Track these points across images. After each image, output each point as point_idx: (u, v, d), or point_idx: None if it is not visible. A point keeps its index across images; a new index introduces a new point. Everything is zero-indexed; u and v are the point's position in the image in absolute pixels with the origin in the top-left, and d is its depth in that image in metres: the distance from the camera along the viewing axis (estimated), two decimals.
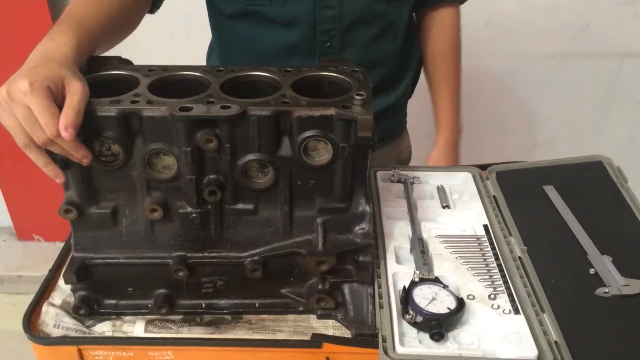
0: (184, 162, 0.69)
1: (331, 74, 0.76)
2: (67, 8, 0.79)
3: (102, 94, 0.69)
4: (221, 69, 0.76)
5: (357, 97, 0.68)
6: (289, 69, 0.76)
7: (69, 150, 0.65)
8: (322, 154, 0.71)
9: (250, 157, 0.70)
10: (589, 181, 0.93)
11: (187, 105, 0.67)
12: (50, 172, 0.68)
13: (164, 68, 0.76)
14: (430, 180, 0.97)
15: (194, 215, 0.73)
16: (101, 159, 0.70)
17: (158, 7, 0.96)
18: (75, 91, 0.65)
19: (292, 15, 0.95)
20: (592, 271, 0.76)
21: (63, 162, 0.69)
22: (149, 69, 0.75)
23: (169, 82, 0.74)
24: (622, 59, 1.84)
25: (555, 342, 0.67)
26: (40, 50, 0.69)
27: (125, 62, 0.79)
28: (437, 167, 0.98)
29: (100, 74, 0.74)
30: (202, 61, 1.17)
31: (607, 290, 0.73)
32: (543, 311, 0.71)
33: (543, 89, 1.88)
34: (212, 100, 0.68)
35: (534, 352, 0.65)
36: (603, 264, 0.77)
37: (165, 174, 0.71)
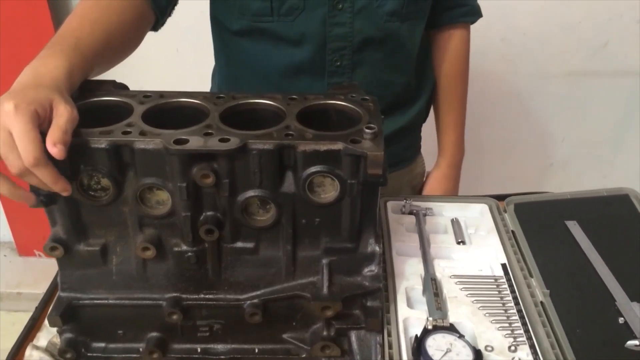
0: (178, 198, 0.64)
1: (340, 102, 0.70)
2: (61, 27, 0.74)
3: (94, 122, 0.64)
4: (222, 95, 0.71)
5: (367, 130, 0.63)
6: (294, 96, 0.71)
7: (47, 181, 0.59)
8: (329, 191, 0.65)
9: (250, 193, 0.65)
10: (615, 216, 0.87)
11: (183, 137, 0.62)
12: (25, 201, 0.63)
13: (161, 94, 0.71)
14: (444, 212, 0.91)
15: (189, 254, 0.67)
16: (90, 193, 0.64)
17: (162, 25, 0.91)
18: (62, 114, 0.60)
19: (301, 33, 0.90)
20: (621, 320, 0.70)
21: (48, 196, 0.63)
22: (145, 95, 0.70)
23: (165, 109, 0.69)
24: None
25: None
26: (30, 73, 0.65)
27: (120, 87, 0.74)
28: (451, 198, 0.92)
29: (91, 100, 0.69)
30: (208, 76, 1.13)
31: (638, 343, 0.67)
32: None
33: (560, 108, 1.82)
34: (210, 131, 0.63)
35: None
36: (633, 313, 0.70)
37: (159, 210, 0.65)
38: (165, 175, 0.63)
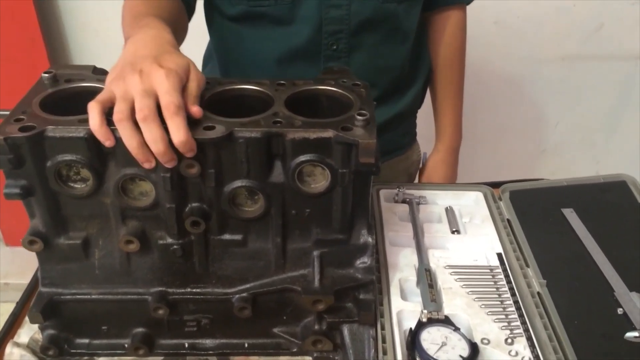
0: (162, 189, 0.61)
1: (330, 88, 0.68)
2: (129, 11, 0.75)
3: (72, 109, 0.61)
4: (207, 81, 0.67)
5: (359, 117, 0.60)
6: (282, 82, 0.68)
7: (182, 134, 0.56)
8: (319, 180, 0.62)
9: (237, 183, 0.62)
10: (612, 204, 0.85)
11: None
12: (142, 154, 0.57)
13: None
14: (438, 200, 0.89)
15: (175, 247, 0.65)
16: (69, 184, 0.61)
17: (192, 16, 0.92)
18: (197, 78, 0.61)
19: (298, 16, 0.88)
20: (620, 311, 0.68)
21: (25, 189, 0.60)
22: None
23: None
24: (637, 62, 1.75)
25: None
26: (152, 40, 0.64)
27: (100, 73, 0.70)
28: (445, 186, 0.90)
29: (70, 86, 0.66)
30: (199, 64, 1.09)
31: (637, 334, 0.65)
32: (567, 359, 0.63)
33: (553, 93, 1.80)
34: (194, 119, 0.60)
35: None
36: (632, 303, 0.69)
37: (142, 201, 0.63)
38: None
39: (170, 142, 0.56)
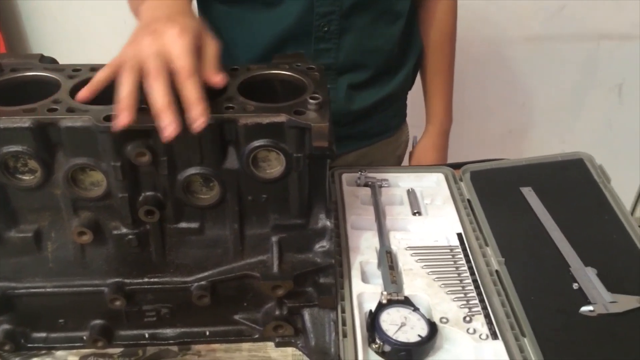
0: (114, 179, 0.60)
1: (284, 72, 0.67)
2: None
3: (18, 99, 0.59)
4: None
5: (312, 100, 0.59)
6: (236, 67, 0.67)
7: (194, 96, 0.54)
8: (274, 166, 0.62)
9: (191, 170, 0.61)
10: (570, 182, 0.87)
11: (114, 113, 0.57)
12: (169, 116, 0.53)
13: (92, 67, 0.66)
14: (400, 183, 0.89)
15: (130, 237, 0.64)
16: (16, 175, 0.60)
17: None
18: (212, 44, 0.59)
19: None
20: (575, 286, 0.70)
21: None
22: (74, 69, 0.66)
23: None
24: (599, 41, 1.77)
25: None
26: (165, 5, 0.62)
27: (48, 61, 0.68)
28: (407, 168, 0.90)
29: (15, 75, 0.64)
30: None
31: (592, 308, 0.67)
32: (523, 335, 0.64)
33: (518, 73, 1.81)
34: (144, 106, 0.59)
35: None
36: (587, 278, 0.70)
37: (94, 191, 0.61)
38: (98, 154, 0.59)
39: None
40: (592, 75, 1.85)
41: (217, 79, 0.56)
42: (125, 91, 0.54)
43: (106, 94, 0.60)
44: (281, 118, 0.58)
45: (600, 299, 0.67)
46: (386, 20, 0.94)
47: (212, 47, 0.59)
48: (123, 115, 0.54)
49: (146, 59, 0.54)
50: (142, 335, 0.69)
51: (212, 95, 0.62)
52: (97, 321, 0.67)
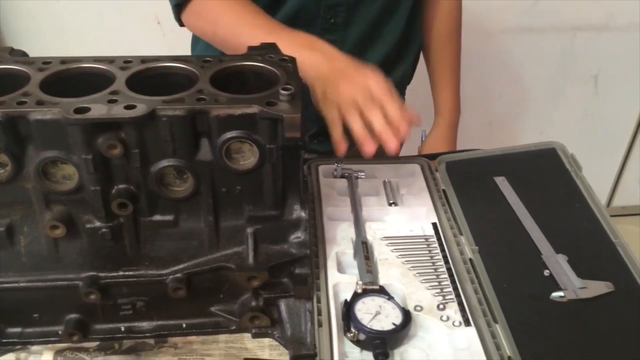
0: (85, 172, 0.59)
1: (256, 63, 0.67)
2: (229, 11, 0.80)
3: None
4: (130, 60, 0.66)
5: (284, 91, 0.60)
6: (208, 58, 0.67)
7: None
8: (248, 157, 0.62)
9: (164, 163, 0.61)
10: (542, 171, 0.88)
11: (84, 105, 0.57)
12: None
13: (62, 60, 0.65)
14: (377, 174, 0.90)
15: (103, 230, 0.63)
16: None
17: None
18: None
19: None
20: (546, 273, 0.71)
21: None
22: (44, 62, 0.65)
23: (67, 76, 0.64)
24: (574, 33, 1.80)
25: (509, 357, 0.62)
26: (339, 55, 0.77)
27: (18, 54, 0.68)
28: (384, 159, 0.91)
29: None
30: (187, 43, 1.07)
31: (562, 294, 0.68)
32: (496, 321, 0.65)
33: (496, 65, 1.83)
34: (114, 98, 0.59)
35: None
36: (558, 265, 0.71)
37: (66, 185, 0.61)
38: (69, 147, 0.58)
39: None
40: (569, 66, 1.87)
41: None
42: (357, 126, 0.71)
43: (75, 86, 0.60)
44: (253, 109, 0.59)
45: (571, 285, 0.69)
46: (390, 12, 0.95)
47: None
48: (367, 145, 0.70)
49: (358, 97, 0.72)
50: (117, 328, 0.68)
51: (183, 87, 0.62)
52: (72, 315, 0.67)
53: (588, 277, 0.70)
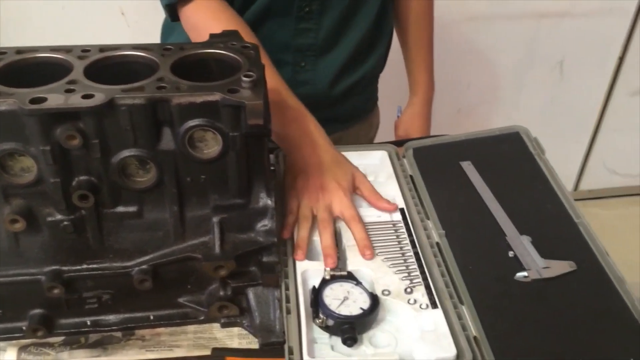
0: (44, 164, 0.58)
1: (218, 51, 0.66)
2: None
3: None
4: (88, 49, 0.64)
5: (246, 78, 0.59)
6: (169, 46, 0.66)
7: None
8: (211, 146, 0.61)
9: (125, 153, 0.60)
10: (507, 154, 0.89)
11: (41, 95, 0.56)
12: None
13: (18, 50, 0.64)
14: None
15: (65, 223, 0.62)
16: None
17: None
18: (365, 181, 0.81)
19: None
20: (511, 254, 0.72)
21: None
22: (0, 52, 0.63)
23: (23, 67, 0.62)
24: (539, 20, 1.82)
25: (475, 337, 0.63)
26: (323, 140, 0.80)
27: None
28: (351, 147, 0.91)
29: None
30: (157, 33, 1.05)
31: (526, 274, 0.69)
32: (462, 303, 0.66)
33: (463, 53, 1.85)
34: (72, 88, 0.57)
35: (452, 351, 0.61)
36: (522, 246, 0.73)
37: (24, 177, 0.60)
38: (26, 139, 0.57)
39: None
40: (534, 53, 1.90)
41: (385, 204, 0.78)
42: (302, 234, 0.73)
43: (31, 77, 0.59)
44: (215, 97, 0.58)
45: (534, 265, 0.70)
46: (364, 1, 0.95)
47: (367, 184, 0.80)
48: (299, 253, 0.71)
49: (318, 211, 0.75)
50: (83, 322, 0.67)
51: (144, 77, 0.61)
52: (36, 310, 0.66)
53: (551, 257, 0.71)
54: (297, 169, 0.79)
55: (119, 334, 0.68)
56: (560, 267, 0.70)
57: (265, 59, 0.72)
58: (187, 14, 0.84)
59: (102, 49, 0.65)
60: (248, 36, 0.79)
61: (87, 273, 0.64)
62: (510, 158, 0.88)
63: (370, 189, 0.80)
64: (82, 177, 0.61)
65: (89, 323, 0.68)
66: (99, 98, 0.56)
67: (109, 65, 0.63)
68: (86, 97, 0.56)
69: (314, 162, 0.78)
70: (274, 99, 0.74)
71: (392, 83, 1.20)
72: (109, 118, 0.57)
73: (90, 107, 0.55)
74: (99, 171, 0.60)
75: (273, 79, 0.79)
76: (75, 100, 0.55)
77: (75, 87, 0.58)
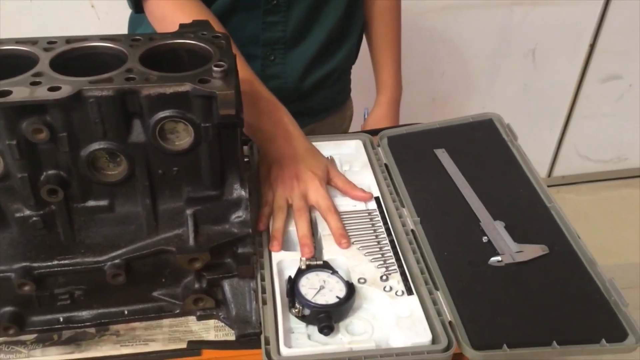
0: (11, 158, 0.57)
1: (188, 41, 0.65)
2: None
3: None
4: (54, 40, 0.63)
5: (216, 68, 0.58)
6: (138, 37, 0.65)
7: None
8: (183, 137, 0.61)
9: (95, 146, 0.59)
10: (480, 141, 0.90)
11: (5, 89, 0.54)
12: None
13: None
14: (320, 151, 0.89)
15: (34, 219, 0.61)
16: None
17: None
18: (338, 174, 0.82)
19: None
20: (485, 239, 0.73)
21: None
22: None
23: None
24: (512, 8, 1.84)
25: (450, 322, 0.63)
26: (297, 132, 0.80)
27: None
28: (326, 136, 0.91)
29: None
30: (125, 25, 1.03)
31: (500, 259, 0.70)
32: (437, 289, 0.67)
33: (436, 42, 1.85)
34: (38, 80, 0.56)
35: (427, 336, 0.61)
36: (496, 231, 0.74)
37: None
38: None
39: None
40: (507, 41, 1.91)
41: (360, 193, 0.79)
42: (277, 225, 0.73)
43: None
44: (185, 87, 0.57)
45: (508, 250, 0.71)
46: None
47: (341, 176, 0.81)
48: (275, 244, 0.71)
49: (294, 200, 0.76)
50: (56, 319, 0.66)
51: (114, 68, 0.60)
52: (7, 308, 0.64)
53: (524, 241, 0.72)
54: (271, 159, 0.79)
55: (92, 330, 0.67)
56: (533, 251, 0.71)
57: (235, 50, 0.71)
58: (152, 6, 0.82)
59: (69, 40, 0.63)
60: (217, 27, 0.78)
61: (59, 269, 0.63)
62: (483, 145, 0.89)
63: (344, 180, 0.80)
64: (51, 172, 0.59)
65: (61, 320, 0.67)
66: (65, 90, 0.55)
67: (76, 57, 0.62)
68: (52, 89, 0.55)
69: (288, 152, 0.78)
70: (245, 91, 0.73)
71: (367, 73, 1.19)
72: (76, 111, 0.56)
73: (56, 99, 0.54)
74: (68, 165, 0.59)
75: (244, 70, 0.78)
76: (41, 93, 0.54)
77: (41, 80, 0.56)
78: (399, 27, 1.10)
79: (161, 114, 0.58)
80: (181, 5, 0.81)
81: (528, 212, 0.78)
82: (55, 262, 0.63)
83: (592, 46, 1.95)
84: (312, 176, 0.77)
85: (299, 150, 0.79)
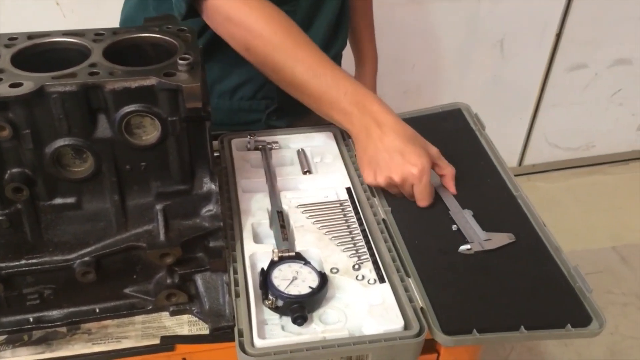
0: None
1: (153, 35, 0.65)
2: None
3: None
4: (15, 37, 0.62)
5: (182, 61, 0.58)
6: (101, 31, 0.64)
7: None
8: (150, 132, 0.60)
9: (60, 142, 0.58)
10: (449, 130, 0.91)
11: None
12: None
13: None
14: (291, 144, 0.90)
15: (0, 218, 0.60)
16: None
17: None
18: (447, 166, 0.81)
19: None
20: (454, 228, 0.74)
21: None
22: None
23: None
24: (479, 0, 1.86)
25: (422, 308, 0.64)
26: (393, 117, 0.81)
27: None
28: (297, 129, 0.91)
29: None
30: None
31: (469, 247, 0.71)
32: (408, 276, 0.68)
33: (406, 35, 1.86)
34: None
35: (399, 323, 0.62)
36: (465, 219, 0.75)
37: None
38: None
39: None
40: (475, 33, 1.93)
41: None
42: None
43: None
44: (151, 81, 0.57)
45: (477, 238, 0.72)
46: None
47: (450, 169, 0.80)
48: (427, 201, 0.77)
49: (413, 180, 0.77)
50: (25, 320, 0.65)
51: (76, 64, 0.59)
52: None
53: (492, 229, 0.73)
54: (367, 148, 0.80)
55: (63, 329, 0.66)
56: (501, 239, 0.73)
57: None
58: (216, 6, 0.78)
59: (31, 36, 0.62)
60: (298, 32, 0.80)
61: (27, 268, 0.62)
62: (452, 134, 0.90)
63: (452, 174, 0.82)
64: (15, 170, 0.59)
65: (31, 320, 0.66)
66: (27, 86, 0.54)
67: (38, 53, 0.61)
68: (14, 85, 0.54)
69: (386, 142, 0.79)
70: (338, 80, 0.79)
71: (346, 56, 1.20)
72: (39, 107, 0.55)
73: (18, 96, 0.53)
74: (32, 162, 0.59)
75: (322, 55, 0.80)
76: (3, 90, 0.53)
77: (2, 76, 0.56)
78: (371, 2, 1.15)
79: (127, 109, 0.58)
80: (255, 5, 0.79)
81: (496, 201, 0.79)
82: (23, 262, 0.62)
83: (559, 36, 1.98)
84: (418, 164, 0.78)
85: (396, 130, 0.81)
